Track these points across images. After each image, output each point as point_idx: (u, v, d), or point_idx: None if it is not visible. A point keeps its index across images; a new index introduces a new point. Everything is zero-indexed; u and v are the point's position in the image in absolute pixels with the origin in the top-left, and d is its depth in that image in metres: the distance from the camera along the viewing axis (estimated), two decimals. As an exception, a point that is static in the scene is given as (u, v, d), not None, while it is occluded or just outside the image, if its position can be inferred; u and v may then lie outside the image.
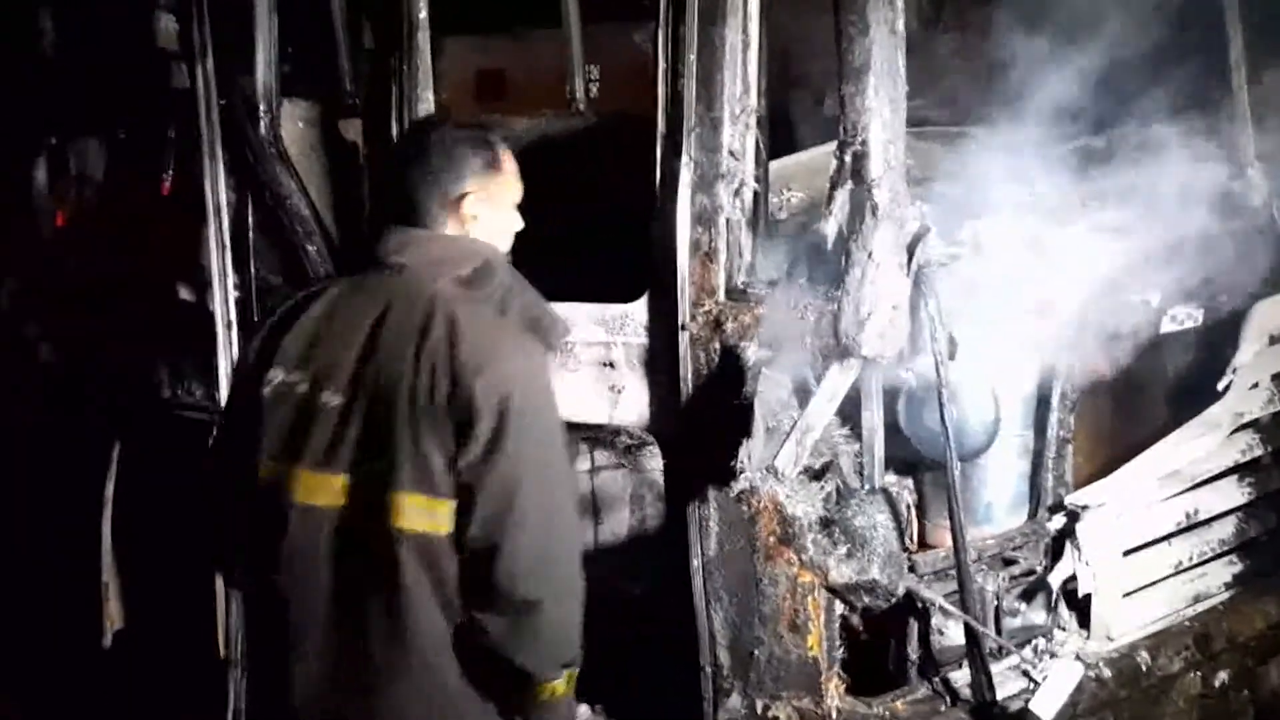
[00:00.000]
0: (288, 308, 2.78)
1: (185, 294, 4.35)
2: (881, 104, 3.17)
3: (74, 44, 4.90)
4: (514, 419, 2.52)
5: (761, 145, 3.56)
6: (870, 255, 3.17)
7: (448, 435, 2.54)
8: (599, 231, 4.06)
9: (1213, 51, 4.24)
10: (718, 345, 3.46)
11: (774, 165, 4.25)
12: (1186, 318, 3.89)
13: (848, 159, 3.21)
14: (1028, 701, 3.37)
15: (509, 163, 2.83)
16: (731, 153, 3.44)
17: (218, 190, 4.23)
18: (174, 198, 4.37)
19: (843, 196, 3.24)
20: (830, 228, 3.25)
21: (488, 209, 2.77)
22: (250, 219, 4.24)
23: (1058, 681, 3.38)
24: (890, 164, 3.18)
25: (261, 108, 4.26)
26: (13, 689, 4.83)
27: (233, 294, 4.22)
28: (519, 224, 2.88)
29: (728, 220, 3.47)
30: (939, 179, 4.16)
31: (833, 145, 3.24)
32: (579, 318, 3.71)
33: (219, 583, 4.32)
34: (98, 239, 4.68)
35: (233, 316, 4.23)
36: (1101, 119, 4.47)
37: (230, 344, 4.22)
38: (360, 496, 2.58)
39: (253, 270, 4.24)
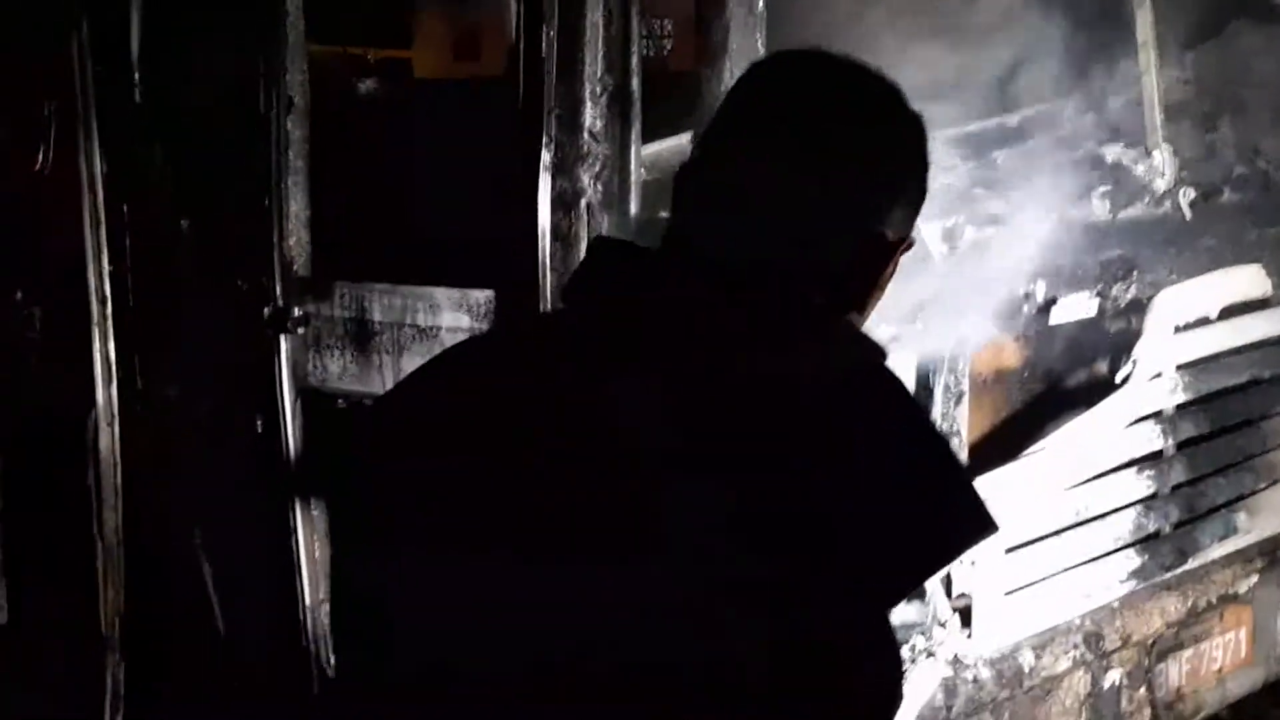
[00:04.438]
0: None
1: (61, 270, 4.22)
2: (739, 88, 3.03)
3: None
4: None
5: (633, 126, 3.41)
6: (725, 246, 3.04)
7: None
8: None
9: (1123, 28, 4.08)
10: (578, 335, 3.32)
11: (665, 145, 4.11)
12: (1078, 308, 3.76)
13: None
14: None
15: None
16: (592, 134, 3.30)
17: (92, 163, 4.09)
18: (52, 170, 4.22)
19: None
20: (683, 218, 3.11)
21: None
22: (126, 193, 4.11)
23: (915, 684, 3.27)
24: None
25: (137, 75, 4.11)
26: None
27: (107, 269, 4.10)
28: None
29: (588, 204, 3.33)
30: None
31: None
32: (443, 301, 3.58)
33: (100, 563, 4.23)
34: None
35: (108, 292, 4.11)
36: (1011, 96, 4.31)
37: (105, 319, 4.11)
38: None
39: (128, 246, 4.12)
